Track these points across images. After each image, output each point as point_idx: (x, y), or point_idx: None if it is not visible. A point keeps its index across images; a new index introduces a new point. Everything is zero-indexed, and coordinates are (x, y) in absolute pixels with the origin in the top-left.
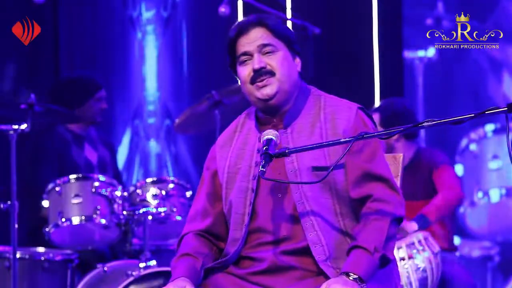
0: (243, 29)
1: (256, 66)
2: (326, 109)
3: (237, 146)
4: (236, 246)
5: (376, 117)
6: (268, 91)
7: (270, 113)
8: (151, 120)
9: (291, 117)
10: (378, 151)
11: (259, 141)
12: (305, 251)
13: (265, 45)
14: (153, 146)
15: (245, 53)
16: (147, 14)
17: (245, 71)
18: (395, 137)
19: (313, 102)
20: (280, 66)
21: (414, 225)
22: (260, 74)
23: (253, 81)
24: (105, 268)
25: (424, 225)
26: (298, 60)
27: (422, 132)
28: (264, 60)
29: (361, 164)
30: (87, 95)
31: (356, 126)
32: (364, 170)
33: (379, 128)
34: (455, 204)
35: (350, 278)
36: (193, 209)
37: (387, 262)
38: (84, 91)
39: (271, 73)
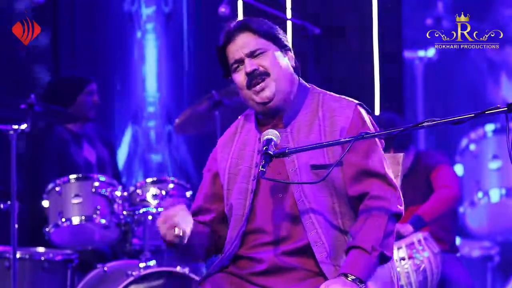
0: (230, 37)
1: (248, 69)
2: (325, 107)
3: (237, 147)
4: (232, 246)
5: None
6: (268, 93)
7: (270, 115)
8: (151, 122)
9: (290, 116)
10: (374, 147)
11: (259, 141)
12: (305, 251)
13: (253, 51)
14: (153, 146)
15: (236, 61)
16: (147, 10)
17: (240, 77)
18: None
19: (311, 99)
20: (273, 64)
21: (409, 228)
22: (255, 76)
23: (249, 85)
24: (105, 268)
25: (419, 226)
26: (290, 54)
27: (422, 133)
28: (256, 62)
29: (356, 161)
30: (78, 90)
31: (355, 123)
32: (360, 167)
33: None
34: (450, 202)
35: (349, 279)
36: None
37: (386, 260)
38: (74, 86)
39: (266, 74)
